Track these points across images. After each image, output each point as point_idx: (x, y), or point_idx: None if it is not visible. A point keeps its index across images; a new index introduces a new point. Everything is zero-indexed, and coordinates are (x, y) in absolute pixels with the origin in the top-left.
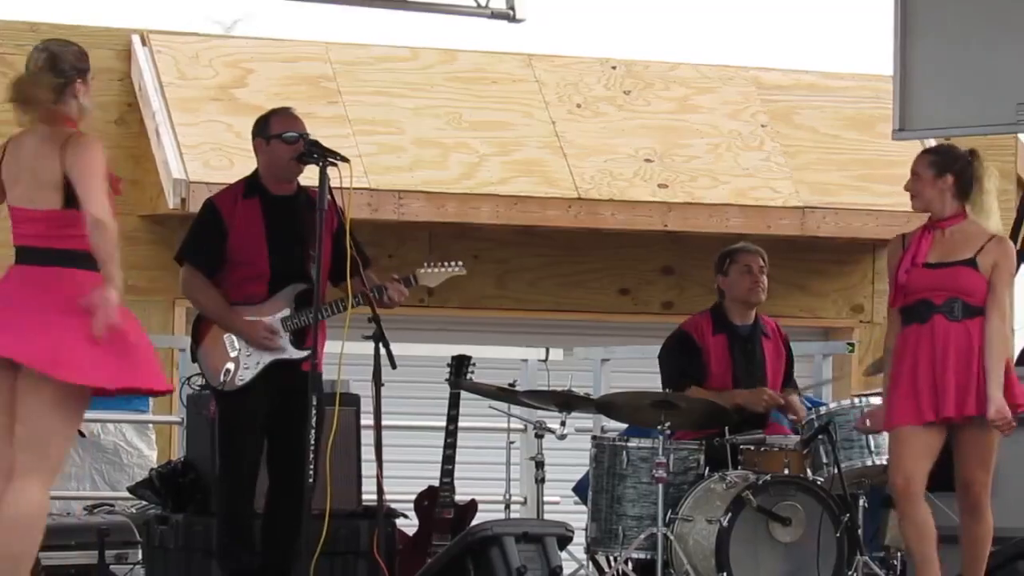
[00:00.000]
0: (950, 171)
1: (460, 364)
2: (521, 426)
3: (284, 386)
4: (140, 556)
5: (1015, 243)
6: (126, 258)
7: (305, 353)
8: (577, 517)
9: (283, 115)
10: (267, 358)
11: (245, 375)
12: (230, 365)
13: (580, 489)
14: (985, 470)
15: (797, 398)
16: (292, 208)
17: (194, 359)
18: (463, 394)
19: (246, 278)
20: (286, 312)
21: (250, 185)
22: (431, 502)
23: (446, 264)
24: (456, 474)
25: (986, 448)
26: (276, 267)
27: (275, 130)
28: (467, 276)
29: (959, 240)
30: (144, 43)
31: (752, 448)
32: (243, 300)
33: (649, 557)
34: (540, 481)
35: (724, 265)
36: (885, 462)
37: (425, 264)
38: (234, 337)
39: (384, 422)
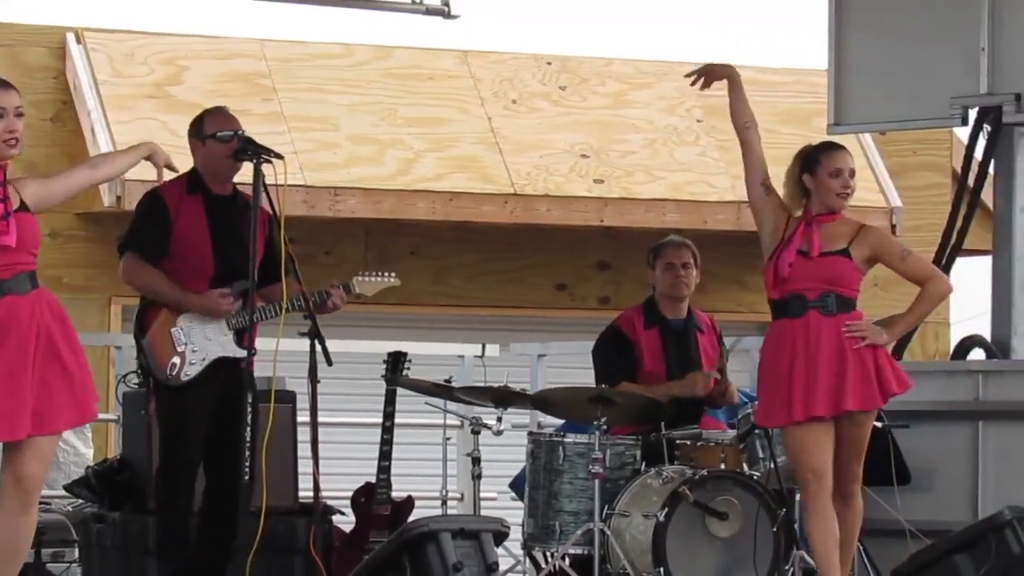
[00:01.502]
0: None
1: (396, 360)
2: (457, 422)
3: (226, 383)
4: (77, 555)
5: (951, 238)
6: (62, 256)
7: (247, 351)
8: (514, 513)
9: (216, 114)
10: (212, 354)
11: (191, 371)
12: (176, 359)
13: (517, 485)
14: (859, 462)
15: (734, 387)
16: (231, 208)
17: (140, 350)
18: (399, 390)
19: (189, 276)
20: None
21: (192, 182)
22: (368, 499)
23: (381, 274)
24: (393, 470)
25: (861, 442)
26: (219, 266)
27: (209, 129)
28: (403, 272)
29: (833, 234)
30: (79, 41)
31: (688, 443)
32: None
33: (586, 553)
34: (477, 477)
35: (651, 260)
36: None
37: (360, 273)
38: (180, 331)
39: (320, 419)
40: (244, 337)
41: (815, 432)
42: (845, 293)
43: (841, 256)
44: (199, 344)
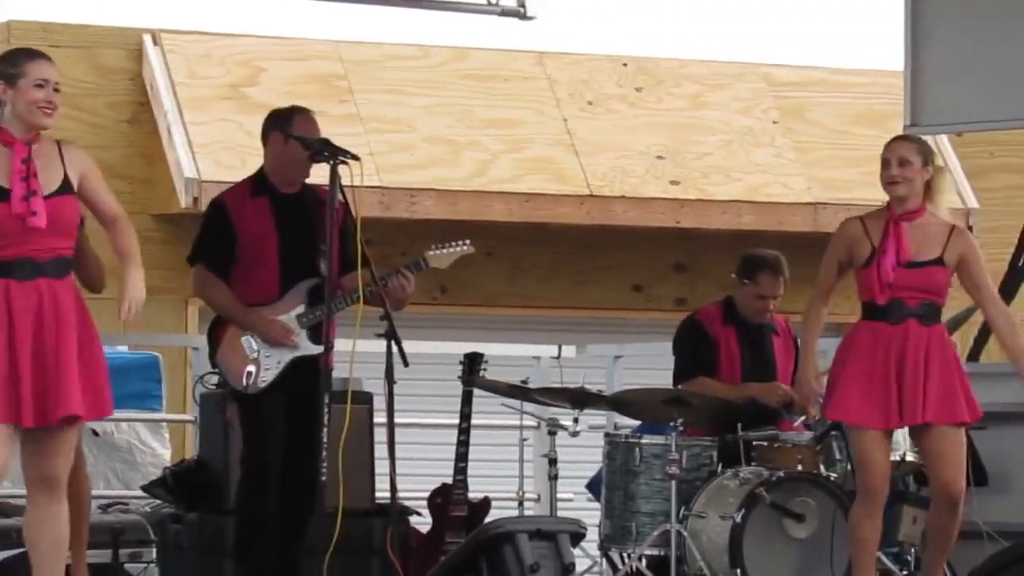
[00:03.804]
0: (931, 163)
1: (472, 361)
2: (534, 423)
3: (302, 384)
4: (154, 555)
5: None
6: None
7: (322, 348)
8: (590, 514)
9: (306, 117)
10: (287, 356)
11: (267, 376)
12: (251, 367)
13: (593, 486)
14: (962, 470)
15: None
16: (300, 205)
17: (214, 364)
18: (476, 391)
19: (258, 277)
20: (300, 308)
21: (257, 184)
22: (444, 500)
23: (454, 244)
24: (469, 471)
25: (962, 449)
26: (287, 266)
27: (297, 130)
28: (479, 273)
29: (924, 235)
30: (155, 42)
31: (765, 444)
32: (256, 300)
33: (663, 554)
34: (553, 478)
35: (744, 275)
36: (899, 458)
37: (433, 246)
38: (252, 339)
39: (397, 420)
40: (320, 333)
41: (888, 441)
42: (938, 302)
43: (935, 266)
44: (272, 348)
